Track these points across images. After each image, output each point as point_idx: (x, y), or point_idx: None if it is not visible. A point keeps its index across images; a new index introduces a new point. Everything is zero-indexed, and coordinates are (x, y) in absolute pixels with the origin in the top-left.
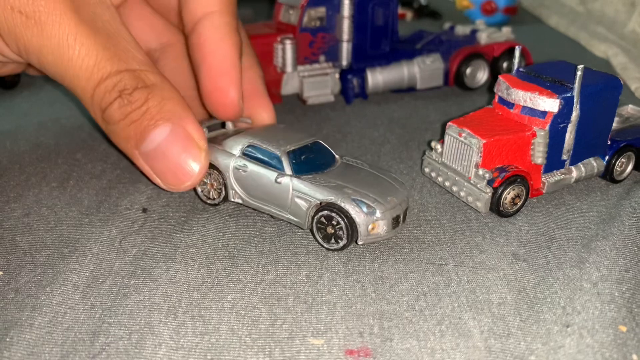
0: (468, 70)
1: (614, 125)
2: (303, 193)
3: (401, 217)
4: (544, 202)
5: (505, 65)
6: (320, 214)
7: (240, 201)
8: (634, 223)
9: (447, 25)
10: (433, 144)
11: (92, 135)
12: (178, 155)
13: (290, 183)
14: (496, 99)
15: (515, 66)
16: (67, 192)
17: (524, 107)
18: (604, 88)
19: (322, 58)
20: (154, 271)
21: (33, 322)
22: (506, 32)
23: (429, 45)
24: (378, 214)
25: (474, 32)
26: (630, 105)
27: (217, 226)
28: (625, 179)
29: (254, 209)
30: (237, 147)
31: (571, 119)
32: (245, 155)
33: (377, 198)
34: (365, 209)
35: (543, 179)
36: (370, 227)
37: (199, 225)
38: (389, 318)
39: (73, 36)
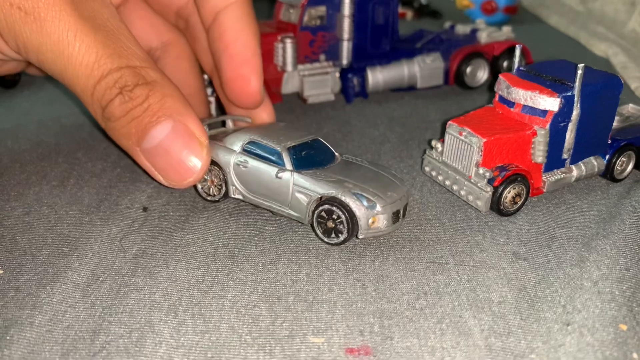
0: (468, 69)
1: (615, 124)
2: (304, 188)
3: (401, 212)
4: (545, 201)
5: (505, 64)
6: (320, 208)
7: (240, 197)
8: (634, 222)
9: (447, 25)
10: (433, 142)
11: (93, 134)
12: (180, 151)
13: (291, 178)
14: (497, 98)
15: (516, 65)
16: (67, 191)
17: (524, 106)
18: (605, 87)
19: (322, 57)
20: (155, 270)
21: (33, 321)
22: (506, 32)
23: (429, 45)
24: (378, 207)
25: (474, 31)
26: (630, 105)
27: (217, 225)
28: (625, 178)
29: (255, 205)
30: (237, 143)
31: (572, 118)
32: (245, 151)
33: (378, 192)
34: (365, 203)
35: (543, 178)
36: (370, 221)
37: (200, 223)
38: (389, 316)
39: (73, 33)
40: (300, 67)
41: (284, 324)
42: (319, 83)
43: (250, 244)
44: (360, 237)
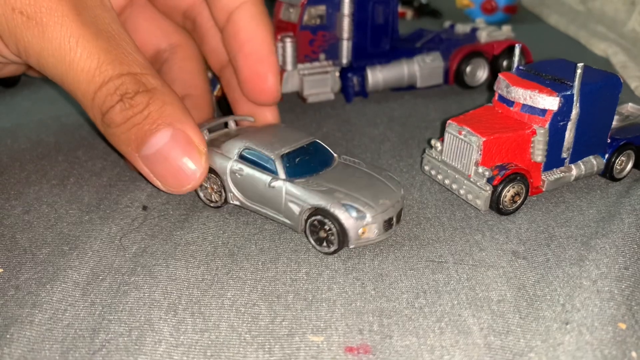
0: (468, 69)
1: (614, 123)
2: (296, 197)
3: (394, 219)
4: (544, 200)
5: (505, 63)
6: (312, 218)
7: (239, 204)
8: (633, 221)
9: (447, 24)
10: (433, 142)
11: (92, 133)
12: (179, 158)
13: (283, 187)
14: (496, 97)
15: (515, 64)
16: (67, 190)
17: (523, 105)
18: (604, 86)
19: (322, 56)
20: (154, 268)
21: (33, 319)
22: (506, 31)
23: (429, 44)
24: (368, 218)
25: (474, 30)
26: (630, 104)
27: (217, 224)
28: (624, 177)
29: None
30: (234, 150)
31: (571, 117)
32: (241, 158)
33: (369, 201)
34: (354, 214)
35: (543, 177)
36: (360, 231)
37: (199, 223)
38: (388, 315)
39: (75, 39)
40: (300, 66)
41: (284, 323)
42: (318, 82)
43: (250, 243)
44: (351, 247)
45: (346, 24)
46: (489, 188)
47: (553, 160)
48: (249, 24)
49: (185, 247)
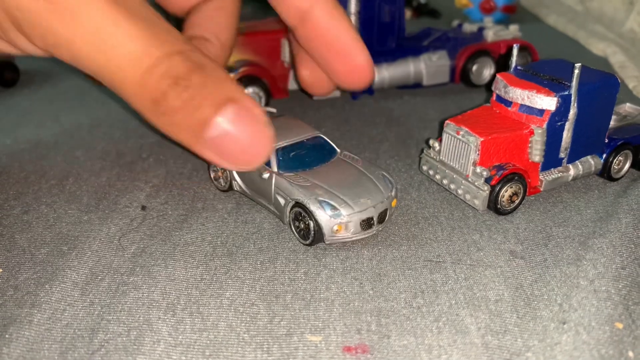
0: (474, 68)
1: (612, 123)
2: (282, 190)
3: (375, 219)
4: (542, 200)
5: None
6: (294, 210)
7: (240, 191)
8: (630, 221)
9: (455, 23)
10: (431, 142)
11: (92, 133)
12: (247, 133)
13: (273, 179)
14: (494, 97)
15: (513, 64)
16: (66, 190)
17: (521, 105)
18: (602, 86)
19: None
20: (153, 269)
21: (32, 319)
22: (513, 30)
23: (435, 42)
24: (344, 216)
25: (481, 29)
26: (627, 104)
27: (216, 224)
28: (622, 177)
29: (253, 201)
30: None
31: (569, 117)
32: None
33: (347, 200)
34: (329, 211)
35: (540, 177)
36: (335, 228)
37: (198, 223)
38: (386, 315)
39: (112, 22)
40: None
41: (282, 322)
42: None
43: (249, 243)
44: (327, 242)
45: (352, 22)
46: (486, 188)
47: (551, 160)
48: (330, 22)
49: (184, 247)
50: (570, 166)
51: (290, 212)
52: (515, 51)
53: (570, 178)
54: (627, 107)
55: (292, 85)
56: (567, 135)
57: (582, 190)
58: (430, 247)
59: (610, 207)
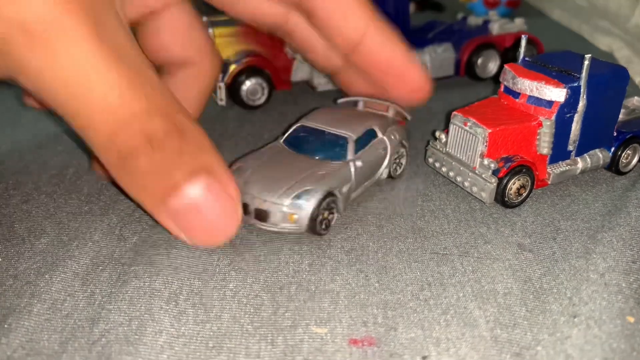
0: (479, 61)
1: (620, 116)
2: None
3: (250, 208)
4: (549, 193)
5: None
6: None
7: None
8: None
9: (459, 16)
10: (437, 133)
11: None
12: (215, 211)
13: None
14: (502, 89)
15: (521, 55)
16: (66, 180)
17: (530, 96)
18: (612, 78)
19: None
20: (155, 258)
21: (32, 309)
22: (519, 24)
23: (440, 35)
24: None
25: (486, 22)
26: (635, 97)
27: None
28: (630, 170)
29: None
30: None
31: (578, 109)
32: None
33: (252, 188)
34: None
35: (548, 170)
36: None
37: None
38: (393, 308)
39: (93, 63)
40: None
41: (287, 314)
42: None
43: (252, 234)
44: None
45: None
46: (494, 180)
47: (559, 152)
48: (383, 51)
49: None
50: (579, 159)
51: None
52: (523, 42)
53: (578, 171)
54: (635, 101)
55: (294, 76)
56: (575, 128)
57: (590, 183)
58: (437, 240)
59: (618, 201)
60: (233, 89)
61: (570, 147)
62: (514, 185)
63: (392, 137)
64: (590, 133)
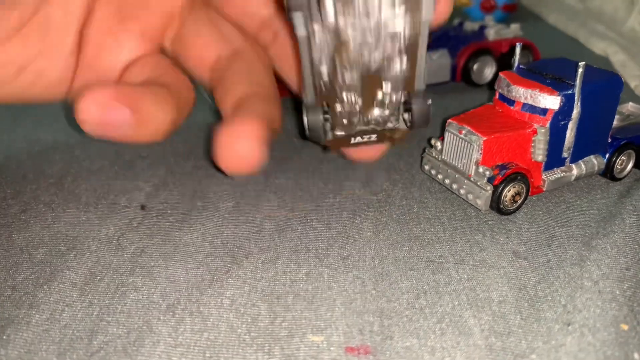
0: (475, 66)
1: (615, 123)
2: None
3: None
4: (544, 200)
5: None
6: None
7: None
8: (634, 221)
9: (455, 21)
10: (433, 141)
11: None
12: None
13: None
14: (497, 96)
15: (516, 63)
16: (64, 189)
17: (524, 104)
18: (606, 85)
19: None
20: (153, 269)
21: (30, 320)
22: (515, 29)
23: (436, 41)
24: None
25: (482, 28)
26: (630, 103)
27: (216, 224)
28: (625, 177)
29: None
30: None
31: (572, 117)
32: None
33: None
34: None
35: (543, 177)
36: None
37: (198, 222)
38: (389, 316)
39: None
40: None
41: (284, 323)
42: None
43: (249, 243)
44: None
45: None
46: (489, 188)
47: (554, 159)
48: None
49: (184, 247)
50: (574, 166)
51: None
52: (518, 50)
53: (573, 178)
54: (629, 107)
55: None
56: (570, 135)
57: (585, 190)
58: (433, 248)
59: (613, 208)
60: None
61: (565, 154)
62: (509, 192)
63: None
64: (585, 140)
